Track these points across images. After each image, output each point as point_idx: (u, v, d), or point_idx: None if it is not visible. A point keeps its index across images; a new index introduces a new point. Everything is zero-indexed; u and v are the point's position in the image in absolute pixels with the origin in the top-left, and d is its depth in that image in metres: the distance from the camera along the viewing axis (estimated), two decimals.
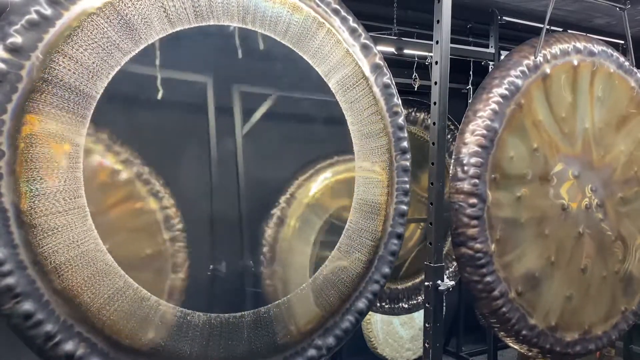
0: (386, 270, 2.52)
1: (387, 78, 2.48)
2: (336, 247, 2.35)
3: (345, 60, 2.33)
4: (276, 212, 2.24)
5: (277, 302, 2.22)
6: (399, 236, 2.55)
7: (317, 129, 2.37)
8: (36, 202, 1.73)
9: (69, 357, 1.83)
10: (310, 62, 2.24)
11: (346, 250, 2.37)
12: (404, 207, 2.54)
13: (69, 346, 1.82)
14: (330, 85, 2.29)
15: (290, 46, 2.20)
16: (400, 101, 2.54)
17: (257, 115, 2.21)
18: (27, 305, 1.74)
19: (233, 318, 2.11)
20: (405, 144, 2.53)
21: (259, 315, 2.17)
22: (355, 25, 2.41)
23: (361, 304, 2.46)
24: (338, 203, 2.38)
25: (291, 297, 2.26)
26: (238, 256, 2.18)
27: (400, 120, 2.52)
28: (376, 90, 2.43)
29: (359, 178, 2.38)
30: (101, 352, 1.89)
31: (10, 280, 1.72)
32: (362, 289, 2.46)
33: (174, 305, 2.00)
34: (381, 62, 2.48)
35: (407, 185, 2.55)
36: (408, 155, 2.54)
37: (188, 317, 2.02)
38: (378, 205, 2.43)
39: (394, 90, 2.52)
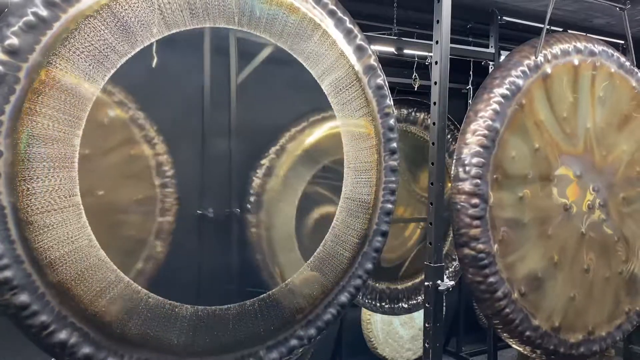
0: (369, 266, 2.57)
1: (381, 79, 2.50)
2: (322, 243, 2.39)
3: (339, 62, 2.35)
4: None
5: (262, 295, 2.28)
6: (384, 234, 2.58)
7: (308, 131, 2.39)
8: (33, 200, 1.79)
9: (63, 345, 1.90)
10: (304, 64, 2.26)
11: (331, 247, 2.41)
12: (390, 206, 2.57)
13: (62, 335, 1.90)
14: (322, 87, 2.32)
15: (285, 48, 2.22)
16: (392, 102, 2.55)
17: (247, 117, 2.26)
18: (23, 297, 1.81)
19: (219, 310, 2.18)
20: (394, 144, 2.55)
21: (244, 308, 2.23)
22: (351, 26, 2.42)
23: (343, 297, 2.52)
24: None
25: (277, 290, 2.31)
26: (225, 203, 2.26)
27: (391, 121, 2.54)
28: (369, 91, 2.45)
29: (347, 177, 2.41)
30: (93, 341, 1.96)
31: (7, 273, 1.78)
32: (345, 284, 2.51)
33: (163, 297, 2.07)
34: (375, 64, 2.49)
35: (395, 185, 2.58)
36: (397, 156, 2.57)
37: (176, 309, 2.09)
38: (365, 204, 2.46)
39: (387, 91, 2.53)
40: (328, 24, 2.33)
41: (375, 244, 2.56)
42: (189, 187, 2.17)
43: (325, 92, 2.33)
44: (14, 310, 1.81)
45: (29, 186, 1.77)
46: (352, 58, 2.40)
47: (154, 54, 1.96)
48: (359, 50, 2.44)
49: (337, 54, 2.34)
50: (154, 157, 2.04)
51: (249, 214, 2.29)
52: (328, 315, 2.48)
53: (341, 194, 2.41)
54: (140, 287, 1.99)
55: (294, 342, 2.40)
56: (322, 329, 2.47)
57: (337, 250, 2.43)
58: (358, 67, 2.42)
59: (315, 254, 2.38)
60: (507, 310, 2.79)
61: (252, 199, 2.30)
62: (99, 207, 1.92)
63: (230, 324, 2.20)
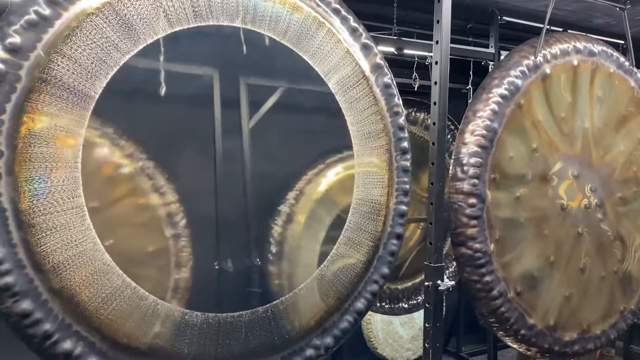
0: (385, 270, 2.53)
1: (388, 78, 2.49)
2: (335, 247, 2.36)
3: (346, 60, 2.33)
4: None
5: (275, 302, 2.23)
6: (399, 236, 2.55)
7: (316, 128, 2.38)
8: (35, 201, 1.74)
9: (67, 356, 1.84)
10: (309, 62, 2.24)
11: (345, 251, 2.37)
12: (404, 208, 2.55)
13: (67, 345, 1.84)
14: (330, 85, 2.29)
15: (290, 46, 2.20)
16: (401, 101, 2.54)
17: (255, 115, 2.22)
18: (25, 304, 1.76)
19: (231, 318, 2.12)
20: (405, 144, 2.54)
21: (256, 315, 2.18)
22: (355, 24, 2.41)
23: (360, 304, 2.47)
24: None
25: (290, 297, 2.27)
26: (244, 255, 2.18)
27: (401, 120, 2.53)
28: (376, 90, 2.44)
29: (359, 178, 2.38)
30: (99, 351, 1.90)
31: (8, 279, 1.73)
32: (361, 289, 2.46)
33: (173, 305, 2.01)
34: (382, 62, 2.48)
35: (407, 186, 2.56)
36: (408, 156, 2.55)
37: (186, 317, 2.03)
38: (378, 205, 2.43)
39: (395, 90, 2.52)
40: (332, 22, 2.32)
41: (391, 247, 2.53)
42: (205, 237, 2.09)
43: (333, 91, 2.30)
44: (15, 319, 1.75)
45: (30, 187, 1.73)
46: (358, 56, 2.38)
47: (157, 53, 1.94)
48: (365, 48, 2.43)
49: (343, 52, 2.32)
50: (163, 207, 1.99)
51: (270, 264, 2.22)
52: (344, 323, 2.42)
53: (353, 196, 2.37)
54: (148, 294, 1.93)
55: (310, 351, 2.34)
56: (339, 337, 2.41)
57: (351, 254, 2.39)
58: (365, 65, 2.40)
59: (328, 258, 2.33)
60: (503, 309, 2.81)
61: (273, 248, 2.23)
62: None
63: (243, 332, 2.14)
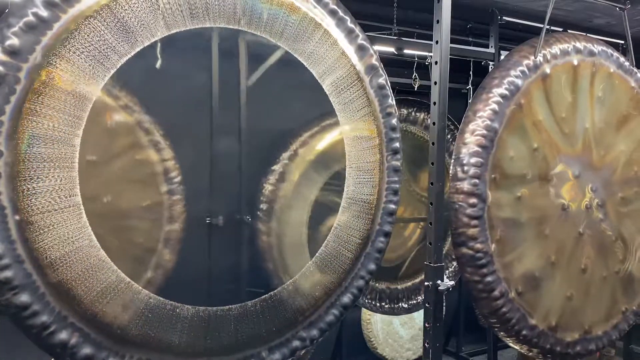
0: (372, 266, 2.57)
1: (383, 79, 2.50)
2: (324, 244, 2.40)
3: (341, 61, 2.35)
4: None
5: (264, 296, 2.28)
6: (387, 234, 2.59)
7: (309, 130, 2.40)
8: (33, 200, 1.79)
9: (63, 346, 1.91)
10: (305, 63, 2.26)
11: (334, 247, 2.41)
12: (393, 207, 2.58)
13: (63, 335, 1.90)
14: (324, 86, 2.31)
15: (286, 48, 2.21)
16: (394, 102, 2.56)
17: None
18: (23, 297, 1.82)
19: (220, 311, 2.18)
20: (397, 144, 2.56)
21: (245, 309, 2.23)
22: (352, 26, 2.42)
23: (346, 298, 2.53)
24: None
25: (279, 291, 2.31)
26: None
27: (394, 121, 2.54)
28: (370, 91, 2.45)
29: (349, 177, 2.41)
30: (94, 342, 1.97)
31: (8, 273, 1.78)
32: (348, 284, 2.52)
33: (164, 298, 2.08)
34: (377, 63, 2.49)
35: (397, 185, 2.58)
36: (399, 156, 2.58)
37: (177, 310, 2.09)
38: (367, 204, 2.47)
39: (389, 91, 2.53)
40: (329, 23, 2.33)
41: (378, 245, 2.57)
42: (198, 194, 2.16)
43: (327, 92, 2.32)
44: (14, 310, 1.81)
45: (29, 186, 1.77)
46: (354, 58, 2.40)
47: (155, 54, 1.96)
48: (361, 49, 2.44)
49: (338, 53, 2.34)
50: (160, 163, 2.06)
51: (260, 221, 2.28)
52: (330, 316, 2.49)
53: (343, 195, 2.41)
54: (141, 288, 2.00)
55: (296, 343, 2.41)
56: (324, 330, 2.48)
57: (340, 251, 2.43)
58: (359, 66, 2.42)
59: (317, 254, 2.39)
60: (504, 309, 2.80)
61: (263, 206, 2.29)
62: (102, 212, 1.92)
63: (232, 324, 2.20)
